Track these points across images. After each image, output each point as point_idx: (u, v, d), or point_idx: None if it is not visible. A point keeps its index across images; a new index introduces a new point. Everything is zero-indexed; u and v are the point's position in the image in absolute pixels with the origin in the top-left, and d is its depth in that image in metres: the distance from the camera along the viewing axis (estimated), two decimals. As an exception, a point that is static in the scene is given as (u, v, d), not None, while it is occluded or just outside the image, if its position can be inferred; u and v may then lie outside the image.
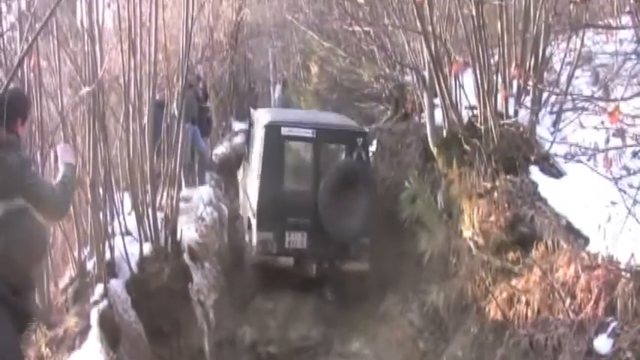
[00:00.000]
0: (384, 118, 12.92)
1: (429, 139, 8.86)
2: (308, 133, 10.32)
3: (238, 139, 16.42)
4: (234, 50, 17.95)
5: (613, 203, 5.34)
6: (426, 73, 8.96)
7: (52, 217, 4.70)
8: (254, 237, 10.13)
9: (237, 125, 18.55)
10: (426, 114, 9.10)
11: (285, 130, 10.30)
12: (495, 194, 7.04)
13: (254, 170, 10.63)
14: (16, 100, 4.38)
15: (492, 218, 6.91)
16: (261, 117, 11.06)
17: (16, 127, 4.32)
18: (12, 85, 4.54)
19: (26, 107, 4.51)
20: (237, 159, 14.06)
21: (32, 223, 4.21)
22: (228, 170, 14.31)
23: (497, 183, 7.13)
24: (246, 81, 21.88)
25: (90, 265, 7.06)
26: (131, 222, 7.75)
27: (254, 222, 10.20)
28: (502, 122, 7.46)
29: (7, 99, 4.18)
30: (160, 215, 7.98)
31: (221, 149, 16.37)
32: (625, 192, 5.05)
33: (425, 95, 9.13)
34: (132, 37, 7.39)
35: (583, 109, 6.92)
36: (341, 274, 10.05)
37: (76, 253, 7.15)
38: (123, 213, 7.93)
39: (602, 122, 4.91)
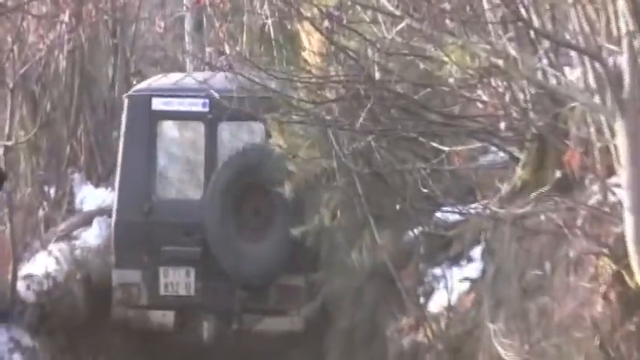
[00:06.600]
0: (503, 187, 9.73)
1: (631, 251, 6.59)
2: (197, 105, 11.49)
3: (94, 235, 13.12)
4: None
5: None
6: (624, 64, 6.57)
7: None
8: (113, 279, 11.38)
9: (93, 195, 14.21)
10: (622, 181, 6.80)
11: (157, 103, 11.55)
12: None
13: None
14: None
15: None
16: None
17: None
18: None
19: None
20: (88, 292, 12.23)
21: None
22: (62, 322, 11.41)
23: None
24: (116, 70, 17.97)
25: None
26: None
27: (113, 256, 11.50)
28: None
29: None
30: None
31: (43, 265, 12.19)
32: None
33: (622, 127, 6.60)
34: None
35: None
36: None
37: None
38: None
39: None
